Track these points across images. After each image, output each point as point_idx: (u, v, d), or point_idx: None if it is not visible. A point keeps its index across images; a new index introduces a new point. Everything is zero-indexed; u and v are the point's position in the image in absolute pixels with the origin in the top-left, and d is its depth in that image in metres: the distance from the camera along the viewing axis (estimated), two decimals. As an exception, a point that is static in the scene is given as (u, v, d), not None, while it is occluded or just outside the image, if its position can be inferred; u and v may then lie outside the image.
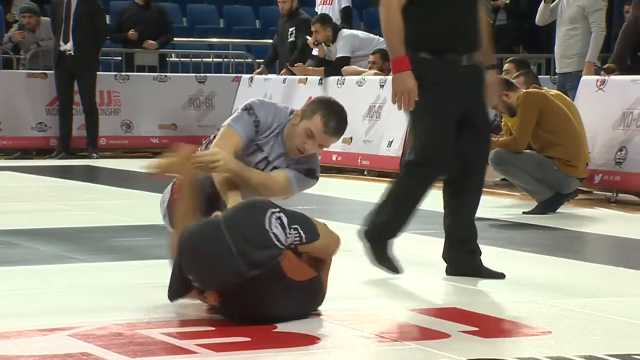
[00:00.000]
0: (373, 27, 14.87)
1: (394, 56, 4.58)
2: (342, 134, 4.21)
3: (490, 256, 5.53)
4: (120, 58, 12.91)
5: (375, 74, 10.23)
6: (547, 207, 7.12)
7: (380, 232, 4.69)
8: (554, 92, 7.65)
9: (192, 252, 3.59)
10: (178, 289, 3.71)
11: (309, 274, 3.78)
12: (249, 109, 4.16)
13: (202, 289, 3.70)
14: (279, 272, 3.64)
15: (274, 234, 3.63)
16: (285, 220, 3.68)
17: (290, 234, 3.68)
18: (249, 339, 3.54)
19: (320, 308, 4.01)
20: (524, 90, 7.32)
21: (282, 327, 3.69)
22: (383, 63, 10.34)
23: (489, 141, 4.87)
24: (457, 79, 4.58)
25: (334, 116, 4.14)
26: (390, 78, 10.32)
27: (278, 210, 3.70)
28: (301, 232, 3.72)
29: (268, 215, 3.65)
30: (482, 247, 5.76)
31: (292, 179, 4.21)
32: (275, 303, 3.67)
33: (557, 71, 9.82)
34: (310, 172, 4.25)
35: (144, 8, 12.35)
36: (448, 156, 4.64)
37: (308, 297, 3.82)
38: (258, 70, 12.12)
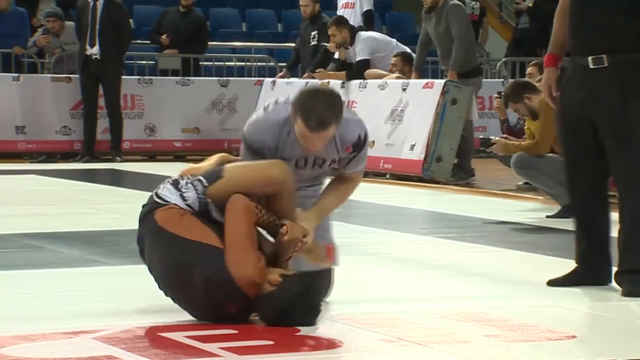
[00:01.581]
0: (395, 30, 14.86)
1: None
2: (330, 123, 3.87)
3: (514, 260, 5.52)
4: (144, 62, 12.96)
5: (397, 77, 10.23)
6: (571, 210, 7.07)
7: None
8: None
9: None
10: None
11: (197, 235, 3.75)
12: (246, 142, 4.03)
13: None
14: (151, 219, 3.87)
15: (156, 193, 3.92)
16: (182, 180, 3.93)
17: (185, 187, 3.87)
18: (272, 342, 3.54)
19: (343, 311, 4.01)
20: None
21: (305, 331, 3.69)
22: (403, 66, 10.32)
23: (622, 153, 4.44)
24: (579, 83, 4.46)
25: (312, 112, 3.85)
26: (411, 81, 10.34)
27: (179, 178, 3.96)
28: (201, 178, 3.88)
29: (161, 185, 3.97)
30: (505, 251, 5.77)
31: (358, 170, 4.10)
32: (150, 250, 3.84)
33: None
34: (357, 144, 4.04)
35: (183, 14, 12.39)
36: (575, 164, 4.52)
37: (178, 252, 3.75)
38: (280, 74, 12.14)
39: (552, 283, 4.56)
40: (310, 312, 3.76)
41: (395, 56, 10.52)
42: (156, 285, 3.98)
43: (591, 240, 4.56)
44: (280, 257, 3.90)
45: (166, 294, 3.90)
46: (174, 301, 3.89)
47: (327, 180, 4.20)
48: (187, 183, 3.91)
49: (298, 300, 3.73)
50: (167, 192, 3.91)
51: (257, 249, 3.79)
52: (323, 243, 4.06)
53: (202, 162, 4.16)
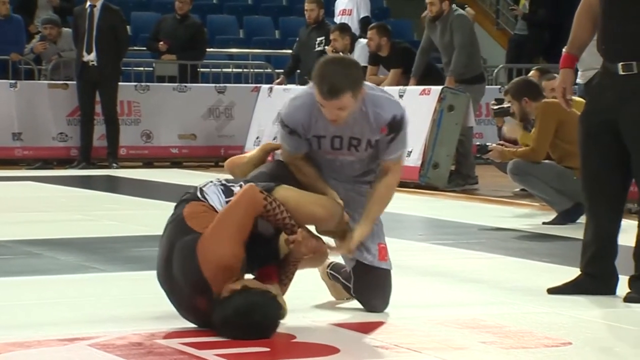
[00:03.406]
0: (392, 37, 14.84)
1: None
2: (343, 90, 3.83)
3: (510, 266, 5.52)
4: (141, 68, 12.97)
5: (391, 80, 10.19)
6: (567, 217, 7.08)
7: None
8: (578, 99, 7.57)
9: None
10: None
11: (198, 225, 3.68)
12: (281, 123, 4.04)
13: None
14: (181, 209, 3.79)
15: (201, 189, 3.83)
16: (235, 189, 3.83)
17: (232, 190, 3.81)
18: (267, 349, 3.54)
19: (339, 317, 4.00)
20: (543, 100, 7.30)
21: (301, 337, 3.69)
22: (380, 38, 10.29)
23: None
24: (607, 89, 4.41)
25: (324, 79, 3.83)
26: (408, 88, 10.36)
27: (227, 180, 3.90)
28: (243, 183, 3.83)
29: (209, 183, 3.88)
30: (501, 258, 5.77)
31: (396, 158, 4.05)
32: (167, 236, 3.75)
33: (577, 81, 9.80)
34: (393, 124, 3.97)
35: (180, 21, 12.39)
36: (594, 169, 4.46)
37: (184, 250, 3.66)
38: (277, 80, 12.15)
39: (553, 291, 4.55)
40: (247, 328, 3.60)
41: (370, 29, 10.51)
42: (152, 292, 3.97)
43: (599, 247, 4.50)
44: (289, 258, 3.85)
45: (161, 285, 3.85)
46: (162, 288, 3.84)
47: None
48: (236, 186, 3.83)
49: (236, 314, 3.59)
50: (212, 194, 3.83)
51: (241, 243, 3.66)
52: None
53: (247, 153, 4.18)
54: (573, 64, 4.54)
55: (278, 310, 3.67)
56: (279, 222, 3.78)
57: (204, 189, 3.86)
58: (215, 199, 3.82)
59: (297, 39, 11.93)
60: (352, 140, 4.01)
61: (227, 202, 3.79)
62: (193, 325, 3.82)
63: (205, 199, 3.81)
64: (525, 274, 5.19)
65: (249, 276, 3.85)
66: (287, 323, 3.79)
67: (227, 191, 3.84)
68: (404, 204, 8.50)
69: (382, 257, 4.16)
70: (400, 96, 9.88)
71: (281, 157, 4.14)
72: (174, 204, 3.96)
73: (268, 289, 3.72)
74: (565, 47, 4.59)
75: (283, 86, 11.87)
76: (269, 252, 3.84)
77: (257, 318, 3.58)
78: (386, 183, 4.09)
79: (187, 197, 3.88)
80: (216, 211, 3.75)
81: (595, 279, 4.50)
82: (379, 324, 3.98)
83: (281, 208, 3.76)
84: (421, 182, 9.36)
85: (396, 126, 4.00)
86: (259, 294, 3.63)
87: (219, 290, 3.63)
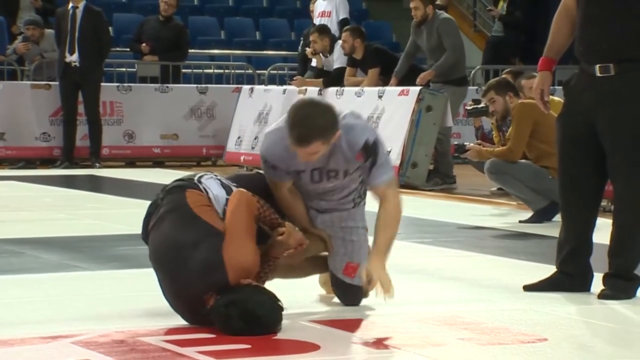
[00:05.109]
0: (371, 38, 14.89)
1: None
2: (312, 138, 3.84)
3: (487, 264, 5.59)
4: (123, 69, 12.97)
5: (368, 82, 10.24)
6: (543, 215, 7.16)
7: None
8: (557, 99, 7.62)
9: None
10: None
11: (216, 222, 3.76)
12: (262, 158, 4.08)
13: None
14: (180, 194, 3.84)
15: (199, 179, 3.89)
16: (229, 184, 3.91)
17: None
18: (249, 346, 3.57)
19: (320, 314, 4.06)
20: (519, 101, 7.38)
21: (282, 334, 3.73)
22: (354, 40, 10.29)
23: (621, 163, 4.39)
24: (585, 90, 4.43)
25: (293, 127, 3.86)
26: (387, 89, 10.40)
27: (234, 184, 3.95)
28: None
29: (209, 175, 3.95)
30: (479, 256, 5.83)
31: (386, 181, 4.07)
32: (167, 221, 3.80)
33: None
34: (367, 149, 3.97)
35: (163, 23, 12.39)
36: (569, 168, 4.49)
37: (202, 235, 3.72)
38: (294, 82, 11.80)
39: (529, 288, 4.60)
40: (246, 318, 3.66)
41: (344, 31, 10.54)
42: (135, 290, 4.01)
43: (574, 245, 4.54)
44: (270, 253, 3.95)
45: (155, 271, 3.88)
46: (159, 280, 3.87)
47: (353, 205, 4.19)
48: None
49: (246, 300, 3.67)
50: (213, 187, 3.89)
51: (254, 241, 3.82)
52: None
53: None
54: (551, 67, 4.57)
55: (279, 316, 3.75)
56: (267, 221, 3.93)
57: (202, 180, 3.91)
58: (217, 191, 3.87)
59: (301, 41, 11.84)
60: (329, 173, 4.07)
61: (227, 199, 3.86)
62: (175, 323, 3.86)
63: (206, 190, 3.87)
64: (502, 272, 5.25)
65: None
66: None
67: (227, 188, 3.91)
68: (384, 204, 8.55)
69: (348, 274, 4.21)
70: (380, 97, 9.96)
71: (268, 183, 4.14)
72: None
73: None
74: (545, 50, 4.60)
75: (264, 87, 11.88)
76: None
77: (260, 313, 3.67)
78: (386, 209, 4.09)
79: (182, 184, 3.91)
80: (212, 204, 3.84)
81: (570, 276, 4.56)
82: (359, 321, 4.02)
83: (270, 208, 3.91)
84: (400, 181, 9.42)
85: (370, 150, 4.01)
86: (270, 295, 3.76)
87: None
